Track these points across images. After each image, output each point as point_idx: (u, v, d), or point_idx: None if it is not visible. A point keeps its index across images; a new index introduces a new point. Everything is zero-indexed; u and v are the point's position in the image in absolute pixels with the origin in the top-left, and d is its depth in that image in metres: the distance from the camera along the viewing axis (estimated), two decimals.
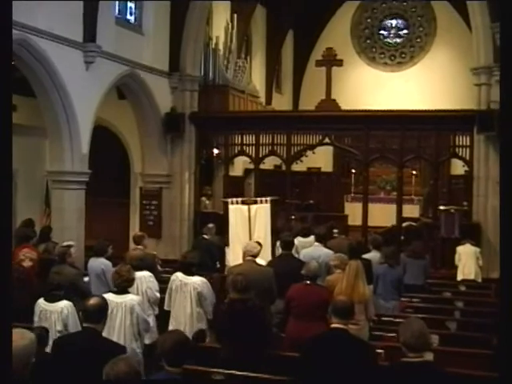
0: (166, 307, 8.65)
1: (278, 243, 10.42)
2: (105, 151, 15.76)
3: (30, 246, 10.11)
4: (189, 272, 8.47)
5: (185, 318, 8.37)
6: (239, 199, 11.83)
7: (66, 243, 10.02)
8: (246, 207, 11.39)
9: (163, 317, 8.80)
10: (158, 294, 8.73)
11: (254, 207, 11.38)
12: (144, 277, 8.57)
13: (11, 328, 4.34)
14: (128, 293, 7.30)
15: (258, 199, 11.75)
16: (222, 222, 14.73)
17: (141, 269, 8.54)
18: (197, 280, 8.42)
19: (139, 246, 10.40)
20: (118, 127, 16.94)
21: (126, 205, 17.16)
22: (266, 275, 8.37)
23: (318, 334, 5.95)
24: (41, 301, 7.37)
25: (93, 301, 5.75)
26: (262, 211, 11.38)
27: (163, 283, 9.15)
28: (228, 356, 6.73)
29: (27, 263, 9.11)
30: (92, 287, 9.56)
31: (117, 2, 14.83)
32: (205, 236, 12.63)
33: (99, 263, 9.80)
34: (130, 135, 16.89)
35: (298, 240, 11.18)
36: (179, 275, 8.52)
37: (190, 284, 8.36)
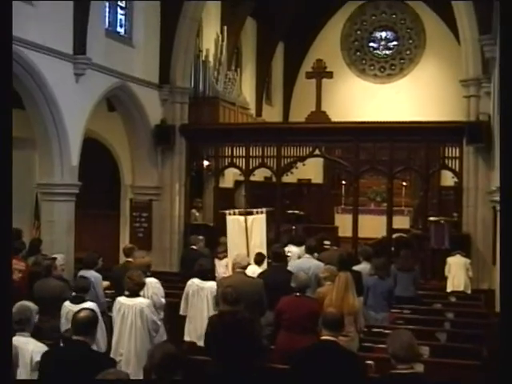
0: (181, 312, 9.14)
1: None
2: (95, 163, 15.71)
3: (18, 257, 10.05)
4: (205, 277, 9.07)
5: (201, 321, 8.65)
6: (236, 210, 12.40)
7: (54, 255, 9.99)
8: (242, 218, 11.92)
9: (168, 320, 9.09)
10: (163, 300, 9.03)
11: (250, 218, 11.91)
12: (150, 283, 8.84)
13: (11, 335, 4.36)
14: (139, 296, 7.76)
15: (254, 210, 12.26)
16: (212, 234, 14.79)
17: (148, 275, 8.85)
18: (213, 285, 8.98)
19: (129, 259, 10.40)
20: (108, 139, 16.91)
21: (116, 217, 17.12)
22: (256, 287, 8.37)
23: (307, 346, 5.94)
24: (67, 303, 7.95)
25: (82, 313, 5.73)
26: (258, 221, 11.90)
27: None
28: (218, 368, 6.70)
29: (16, 275, 9.07)
30: None
31: (107, 14, 14.86)
32: (193, 247, 12.60)
33: (89, 275, 9.75)
34: (120, 147, 16.87)
35: (299, 249, 11.80)
36: (195, 281, 9.08)
37: (206, 288, 8.93)
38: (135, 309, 7.56)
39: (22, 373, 5.70)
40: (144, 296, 8.40)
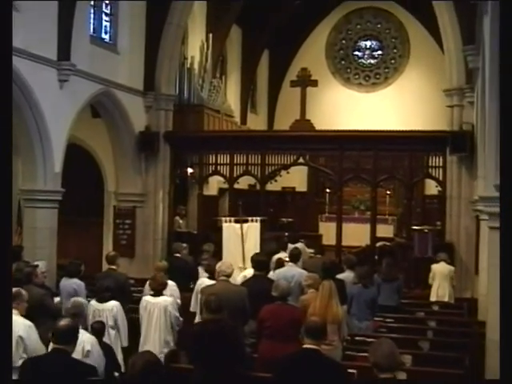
0: (191, 309, 9.58)
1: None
2: (78, 170, 15.64)
3: None
4: (213, 277, 9.38)
5: None
6: (232, 218, 13.00)
7: (36, 263, 9.92)
8: (238, 225, 12.54)
9: None
10: (179, 301, 9.59)
11: (245, 225, 12.56)
12: (169, 285, 9.36)
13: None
14: (163, 295, 8.61)
15: (249, 218, 12.92)
16: (195, 242, 14.76)
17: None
18: None
19: (112, 266, 10.36)
20: (92, 146, 16.84)
21: (100, 224, 17.02)
22: (240, 295, 8.34)
23: (289, 354, 5.92)
24: (93, 302, 8.67)
25: (63, 322, 5.65)
26: (253, 229, 12.58)
27: (136, 303, 9.31)
28: (201, 377, 6.67)
29: None
30: (64, 308, 9.44)
31: (92, 20, 14.82)
32: (177, 255, 12.57)
33: (71, 283, 9.74)
34: (104, 154, 16.80)
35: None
36: (205, 280, 9.71)
37: None
38: (160, 306, 8.39)
39: None
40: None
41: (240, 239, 12.33)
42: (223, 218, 12.98)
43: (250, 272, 10.36)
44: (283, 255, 11.90)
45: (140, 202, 16.60)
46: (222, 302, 6.98)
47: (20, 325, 6.57)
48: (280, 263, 10.88)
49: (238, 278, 10.38)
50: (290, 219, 21.87)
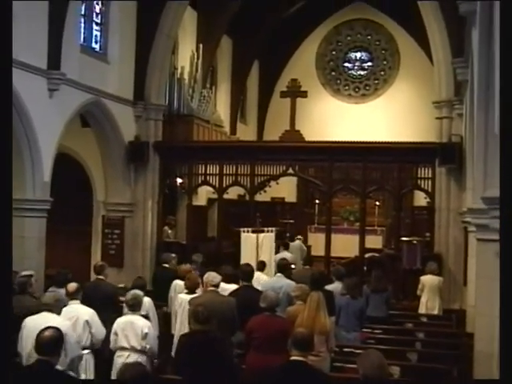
0: None
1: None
2: (67, 179, 15.55)
3: None
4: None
5: None
6: (250, 228, 13.81)
7: (24, 272, 9.86)
8: (254, 235, 13.35)
9: None
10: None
11: (261, 235, 13.38)
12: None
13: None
14: (196, 293, 9.21)
15: (265, 229, 13.80)
16: (184, 252, 14.73)
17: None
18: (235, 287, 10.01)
19: (100, 276, 10.31)
20: (82, 155, 16.75)
21: (88, 233, 16.93)
22: (229, 305, 8.32)
23: (276, 366, 5.89)
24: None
25: (47, 332, 5.53)
26: (268, 239, 13.38)
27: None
28: None
29: None
30: None
31: (82, 30, 14.82)
32: (166, 265, 12.53)
33: (60, 293, 9.65)
34: (93, 163, 16.73)
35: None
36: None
37: (227, 290, 9.56)
38: None
39: (134, 341, 7.66)
40: None
41: (255, 248, 13.06)
42: (242, 229, 13.74)
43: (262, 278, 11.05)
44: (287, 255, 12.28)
45: (129, 212, 16.56)
46: (210, 313, 6.96)
47: (86, 312, 8.02)
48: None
49: None
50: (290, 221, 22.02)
